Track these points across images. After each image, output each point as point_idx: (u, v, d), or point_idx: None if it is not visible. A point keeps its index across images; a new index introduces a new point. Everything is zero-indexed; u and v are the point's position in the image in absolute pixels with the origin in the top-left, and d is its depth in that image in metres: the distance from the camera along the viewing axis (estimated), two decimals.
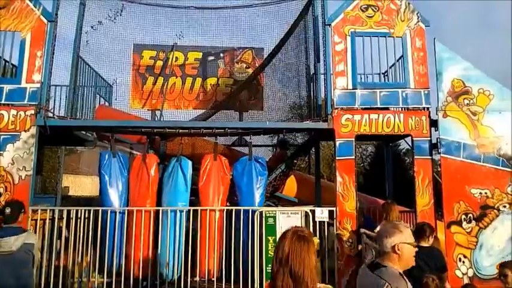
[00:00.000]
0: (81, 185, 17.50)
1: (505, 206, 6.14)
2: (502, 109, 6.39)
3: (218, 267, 6.15)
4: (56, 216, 6.01)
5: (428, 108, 6.49)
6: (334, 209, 6.19)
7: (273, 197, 8.56)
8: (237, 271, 5.97)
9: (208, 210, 6.23)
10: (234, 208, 6.22)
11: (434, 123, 6.44)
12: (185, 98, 8.89)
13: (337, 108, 6.43)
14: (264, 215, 6.09)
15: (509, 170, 6.23)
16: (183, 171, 6.47)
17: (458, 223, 6.13)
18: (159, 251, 6.12)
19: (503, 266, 4.05)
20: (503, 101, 6.42)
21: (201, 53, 9.09)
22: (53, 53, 6.46)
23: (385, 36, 6.61)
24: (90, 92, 7.97)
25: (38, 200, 7.00)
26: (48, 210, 5.99)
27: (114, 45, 8.27)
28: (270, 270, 5.71)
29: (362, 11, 6.68)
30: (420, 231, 4.44)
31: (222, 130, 6.75)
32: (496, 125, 6.35)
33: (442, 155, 6.30)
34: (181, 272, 6.09)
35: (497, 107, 6.40)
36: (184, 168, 6.48)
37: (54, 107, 7.06)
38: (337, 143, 6.35)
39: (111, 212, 6.07)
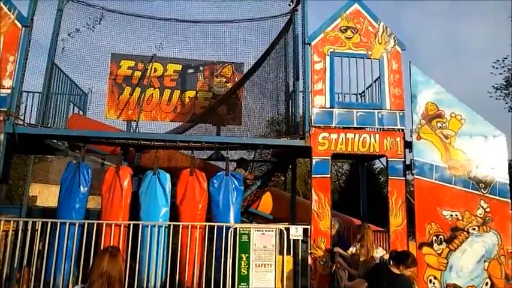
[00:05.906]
0: (50, 194, 16.91)
1: (474, 229, 6.28)
2: (473, 133, 6.60)
3: (197, 283, 5.97)
4: (20, 227, 5.75)
5: (403, 130, 6.62)
6: (308, 227, 6.17)
7: (248, 213, 8.47)
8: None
9: (181, 226, 6.09)
10: (207, 224, 6.11)
11: (408, 145, 6.56)
12: (162, 110, 8.78)
13: (314, 126, 6.48)
14: (238, 231, 5.99)
15: (479, 193, 6.39)
16: (162, 185, 6.32)
17: (430, 244, 6.21)
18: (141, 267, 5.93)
19: None
20: (474, 126, 6.63)
21: (181, 65, 9.03)
22: (26, 59, 6.28)
23: (363, 58, 6.74)
24: (64, 100, 7.75)
25: (3, 210, 6.70)
26: (11, 222, 5.73)
27: (91, 54, 8.11)
28: None
29: (341, 32, 6.81)
30: (402, 258, 4.23)
31: (199, 144, 6.67)
32: (466, 149, 6.52)
33: (415, 176, 6.41)
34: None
35: (468, 131, 6.59)
36: (163, 182, 6.33)
37: (25, 114, 6.83)
38: (314, 161, 6.37)
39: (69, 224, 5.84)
